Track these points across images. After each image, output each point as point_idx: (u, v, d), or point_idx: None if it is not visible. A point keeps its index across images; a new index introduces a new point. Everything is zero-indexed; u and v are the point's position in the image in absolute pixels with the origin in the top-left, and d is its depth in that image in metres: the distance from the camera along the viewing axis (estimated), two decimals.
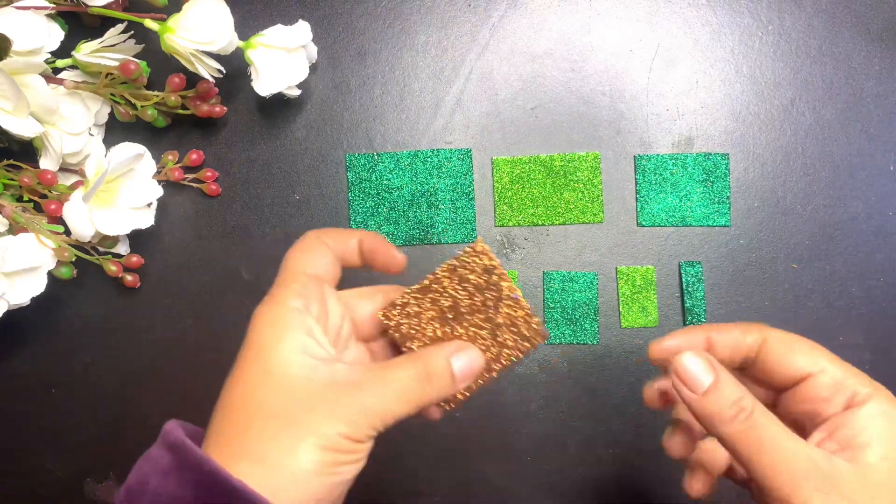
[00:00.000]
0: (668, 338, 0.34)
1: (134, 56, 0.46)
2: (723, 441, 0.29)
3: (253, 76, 0.46)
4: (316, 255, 0.32)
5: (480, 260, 0.32)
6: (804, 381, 0.31)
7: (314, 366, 0.29)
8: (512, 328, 0.32)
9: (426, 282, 0.33)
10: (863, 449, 0.29)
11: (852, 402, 0.30)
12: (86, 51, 0.45)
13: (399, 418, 0.29)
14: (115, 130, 0.49)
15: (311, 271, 0.32)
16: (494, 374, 0.33)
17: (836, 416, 0.30)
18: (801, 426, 0.32)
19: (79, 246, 0.46)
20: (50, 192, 0.45)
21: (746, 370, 0.34)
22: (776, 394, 0.34)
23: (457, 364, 0.31)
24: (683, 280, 0.49)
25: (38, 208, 0.45)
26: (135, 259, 0.48)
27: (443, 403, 0.33)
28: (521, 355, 0.32)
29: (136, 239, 0.49)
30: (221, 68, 0.45)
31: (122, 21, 0.45)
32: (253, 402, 0.28)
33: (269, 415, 0.28)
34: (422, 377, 0.30)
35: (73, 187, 0.45)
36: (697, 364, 0.30)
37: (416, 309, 0.33)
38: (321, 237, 0.33)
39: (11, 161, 0.46)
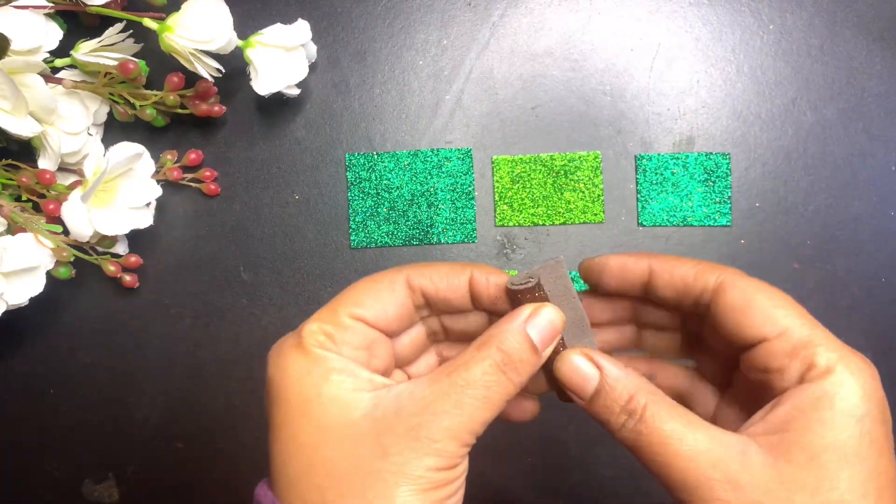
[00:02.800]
0: (602, 257, 0.29)
1: (133, 55, 0.46)
2: (623, 445, 0.26)
3: (252, 75, 0.46)
4: (374, 295, 0.27)
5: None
6: (759, 344, 0.26)
7: (372, 400, 0.25)
8: None
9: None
10: (794, 441, 0.23)
11: (806, 375, 0.24)
12: (84, 50, 0.45)
13: (488, 422, 0.25)
14: (114, 130, 0.49)
15: (359, 313, 0.26)
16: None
17: (788, 390, 0.25)
18: (759, 398, 0.27)
19: (77, 246, 0.46)
20: (48, 191, 0.45)
21: (704, 318, 0.28)
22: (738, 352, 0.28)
23: (535, 332, 0.26)
24: None
25: (36, 208, 0.45)
26: (133, 259, 0.48)
27: (531, 390, 0.28)
28: None
29: (135, 239, 0.49)
30: (220, 67, 0.45)
31: (120, 20, 0.45)
32: (318, 466, 0.24)
33: (341, 477, 0.24)
34: (501, 366, 0.25)
35: (72, 187, 0.45)
36: (578, 365, 0.27)
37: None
38: (404, 272, 0.28)
39: (10, 161, 0.45)
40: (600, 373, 0.26)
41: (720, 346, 0.29)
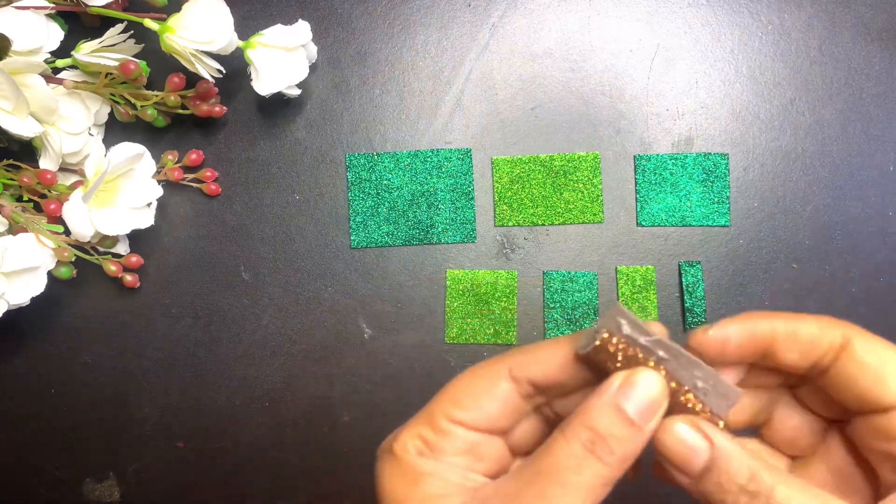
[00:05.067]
0: (719, 325, 0.25)
1: (133, 56, 0.46)
2: None
3: (253, 76, 0.46)
4: (473, 394, 0.25)
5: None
6: (889, 410, 0.23)
7: (463, 500, 0.23)
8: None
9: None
10: None
11: None
12: (85, 51, 0.45)
13: None
14: (115, 130, 0.49)
15: (459, 416, 0.25)
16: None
17: None
18: (875, 462, 0.24)
19: (78, 246, 0.46)
20: (49, 191, 0.45)
21: (813, 381, 0.25)
22: (843, 412, 0.25)
23: (630, 404, 0.22)
24: (683, 280, 0.49)
25: (37, 208, 0.45)
26: (134, 259, 0.48)
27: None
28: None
29: (136, 239, 0.49)
30: (221, 68, 0.45)
31: (121, 21, 0.45)
32: None
33: None
34: (590, 446, 0.22)
35: (73, 187, 0.45)
36: (682, 436, 0.23)
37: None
38: (507, 363, 0.25)
39: (11, 161, 0.46)
40: (710, 446, 0.23)
41: (820, 410, 0.26)
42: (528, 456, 0.27)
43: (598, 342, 0.24)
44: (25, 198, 0.45)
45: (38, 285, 0.43)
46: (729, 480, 0.22)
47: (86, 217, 0.43)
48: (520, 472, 0.23)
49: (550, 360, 0.25)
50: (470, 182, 0.50)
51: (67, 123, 0.45)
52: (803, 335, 0.24)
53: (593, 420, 0.22)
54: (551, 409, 0.27)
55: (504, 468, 0.26)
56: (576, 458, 0.22)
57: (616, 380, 0.23)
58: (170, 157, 0.49)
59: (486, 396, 0.25)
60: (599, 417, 0.22)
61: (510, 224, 0.50)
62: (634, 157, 0.50)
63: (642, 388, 0.23)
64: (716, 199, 0.50)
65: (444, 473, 0.24)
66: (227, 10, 0.43)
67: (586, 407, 0.23)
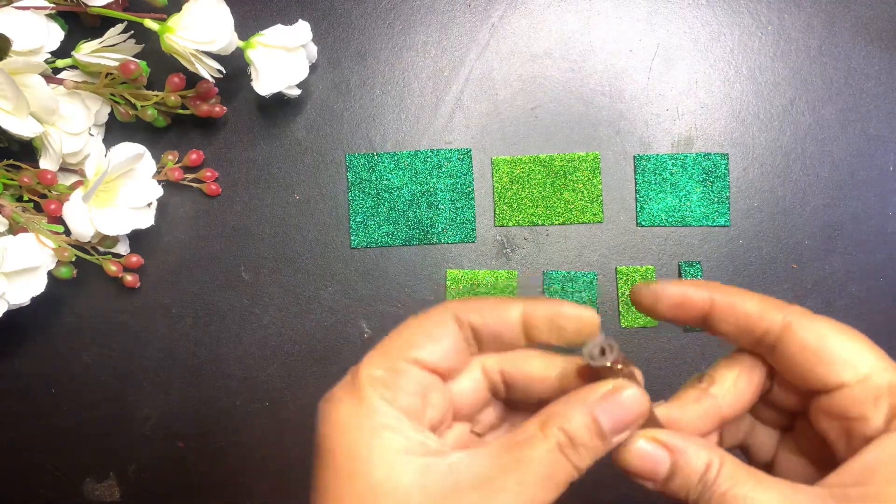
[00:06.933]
0: (663, 285, 0.26)
1: (134, 56, 0.46)
2: None
3: (253, 76, 0.46)
4: (425, 333, 0.25)
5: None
6: (835, 390, 0.24)
7: (426, 466, 0.23)
8: None
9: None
10: (875, 494, 0.22)
11: (892, 424, 0.23)
12: (86, 51, 0.45)
13: None
14: (115, 130, 0.49)
15: (414, 354, 0.25)
16: None
17: (871, 440, 0.23)
18: (829, 444, 0.25)
19: (79, 246, 0.46)
20: (50, 191, 0.45)
21: (766, 356, 0.26)
22: (807, 396, 0.26)
23: (606, 419, 0.23)
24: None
25: (37, 208, 0.45)
26: (134, 259, 0.48)
27: None
28: None
29: (136, 239, 0.49)
30: (221, 68, 0.45)
31: (121, 21, 0.45)
32: None
33: None
34: (564, 446, 0.23)
35: (73, 187, 0.45)
36: (645, 452, 0.24)
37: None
38: (450, 307, 0.26)
39: (11, 161, 0.46)
40: (671, 453, 0.24)
41: (784, 389, 0.27)
42: (484, 428, 0.28)
43: (609, 364, 0.24)
44: (26, 198, 0.45)
45: (38, 285, 0.43)
46: (690, 477, 0.24)
47: (86, 217, 0.43)
48: (494, 455, 0.23)
49: (494, 311, 0.26)
50: (470, 182, 0.50)
51: (67, 123, 0.45)
52: (740, 310, 0.25)
53: (569, 423, 0.23)
54: (500, 376, 0.27)
55: (446, 421, 0.27)
56: (551, 454, 0.23)
57: (602, 388, 0.24)
58: (170, 157, 0.49)
59: (438, 333, 0.25)
60: (575, 425, 0.23)
61: (510, 224, 0.50)
62: (634, 157, 0.50)
63: (624, 405, 0.23)
64: (716, 199, 0.50)
65: (404, 428, 0.23)
66: (227, 10, 0.43)
67: (565, 407, 0.24)
